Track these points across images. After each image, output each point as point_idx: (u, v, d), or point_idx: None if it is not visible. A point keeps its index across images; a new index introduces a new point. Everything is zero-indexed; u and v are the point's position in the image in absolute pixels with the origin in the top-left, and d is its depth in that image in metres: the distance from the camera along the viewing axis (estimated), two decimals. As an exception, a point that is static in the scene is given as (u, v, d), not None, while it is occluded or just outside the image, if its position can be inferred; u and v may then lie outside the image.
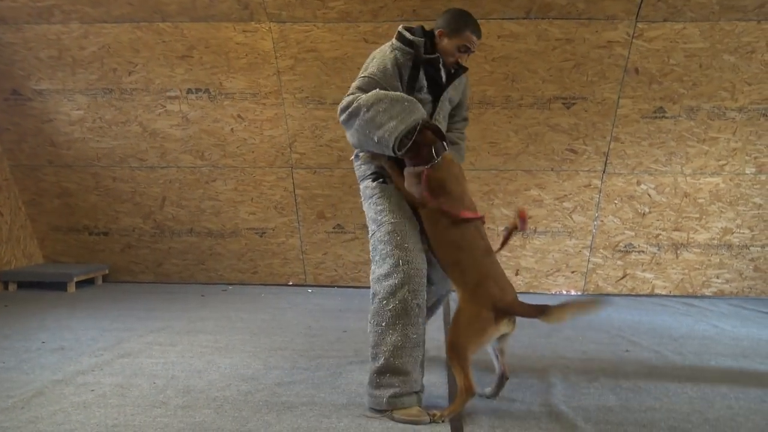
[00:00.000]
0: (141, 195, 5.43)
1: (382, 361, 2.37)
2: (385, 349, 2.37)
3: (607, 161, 4.99)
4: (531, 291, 5.41)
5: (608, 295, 5.36)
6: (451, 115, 2.95)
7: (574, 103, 4.82)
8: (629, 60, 4.62)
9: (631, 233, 5.22)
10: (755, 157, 4.91)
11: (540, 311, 2.34)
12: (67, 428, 2.23)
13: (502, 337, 2.50)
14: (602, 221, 5.20)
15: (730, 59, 4.59)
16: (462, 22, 2.66)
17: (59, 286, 5.16)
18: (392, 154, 2.43)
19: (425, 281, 2.47)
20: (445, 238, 2.50)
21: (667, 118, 4.82)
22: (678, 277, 5.32)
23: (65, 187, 5.47)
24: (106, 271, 5.64)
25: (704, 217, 5.12)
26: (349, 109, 2.48)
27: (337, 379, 2.87)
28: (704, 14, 4.42)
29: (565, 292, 5.39)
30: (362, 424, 2.31)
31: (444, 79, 2.71)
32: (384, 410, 2.37)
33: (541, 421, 2.38)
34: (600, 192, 5.10)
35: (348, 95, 2.55)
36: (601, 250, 5.29)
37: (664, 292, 5.36)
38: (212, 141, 5.17)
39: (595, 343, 3.67)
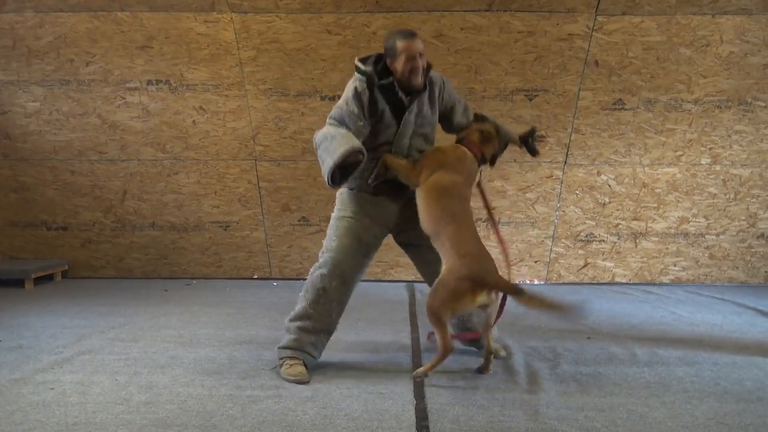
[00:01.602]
0: (101, 189, 5.32)
1: (286, 321, 2.93)
2: (292, 313, 2.91)
3: (569, 152, 5.07)
4: (495, 281, 5.47)
5: (570, 284, 5.47)
6: (450, 121, 3.13)
7: (536, 95, 4.89)
8: (589, 53, 4.70)
9: (591, 223, 5.33)
10: (710, 148, 5.05)
11: (514, 290, 2.66)
12: (25, 428, 2.19)
13: (485, 310, 2.74)
14: (564, 211, 5.29)
15: (686, 52, 4.71)
16: (391, 40, 2.83)
17: (16, 282, 5.03)
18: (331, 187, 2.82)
19: (347, 279, 2.88)
20: (441, 211, 2.77)
21: (626, 110, 4.92)
22: (637, 265, 5.45)
23: (22, 181, 5.32)
24: (66, 267, 5.52)
25: (662, 206, 5.26)
26: (314, 144, 2.85)
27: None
28: (661, 8, 4.51)
29: (528, 282, 5.47)
30: (328, 416, 2.32)
31: (406, 100, 2.85)
32: (279, 359, 2.86)
33: (504, 408, 2.42)
34: (561, 183, 5.18)
35: (331, 117, 2.86)
36: (563, 240, 5.38)
37: (624, 280, 5.49)
38: (174, 133, 5.10)
39: (557, 331, 3.74)
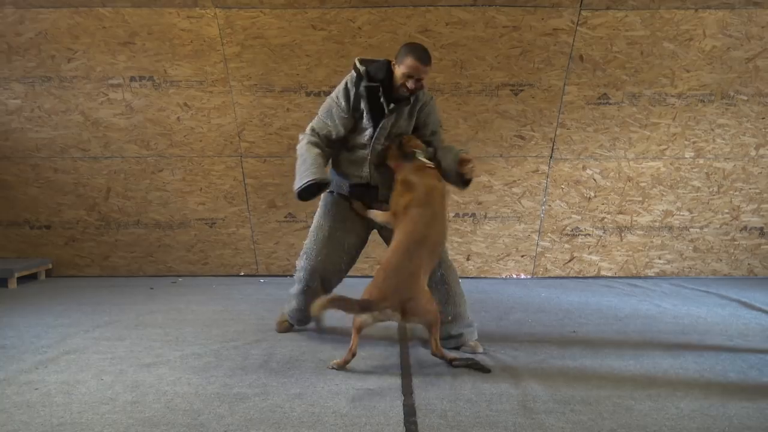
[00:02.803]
0: (84, 186, 5.27)
1: (291, 290, 3.39)
2: (293, 287, 3.35)
3: (554, 147, 5.09)
4: (482, 276, 5.50)
5: (557, 278, 5.50)
6: (427, 143, 3.22)
7: (521, 90, 4.90)
8: (574, 47, 4.71)
9: (577, 217, 5.36)
10: (694, 142, 5.09)
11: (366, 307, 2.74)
12: (9, 429, 2.16)
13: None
14: (550, 206, 5.31)
15: (669, 47, 4.74)
16: (406, 50, 2.98)
17: (0, 282, 4.98)
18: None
19: (327, 276, 3.20)
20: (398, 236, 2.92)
21: (610, 104, 4.94)
22: (622, 258, 5.49)
23: (3, 179, 5.25)
24: (50, 266, 5.46)
25: (646, 200, 5.29)
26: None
27: (290, 369, 2.86)
28: (645, 2, 4.53)
29: (515, 276, 5.50)
30: (315, 413, 2.31)
31: (386, 106, 3.01)
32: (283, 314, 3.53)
33: (491, 403, 2.43)
34: (547, 177, 5.20)
35: (306, 131, 3.14)
36: (549, 234, 5.41)
37: (609, 274, 5.53)
38: (158, 130, 5.05)
39: (543, 325, 3.76)
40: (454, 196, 5.28)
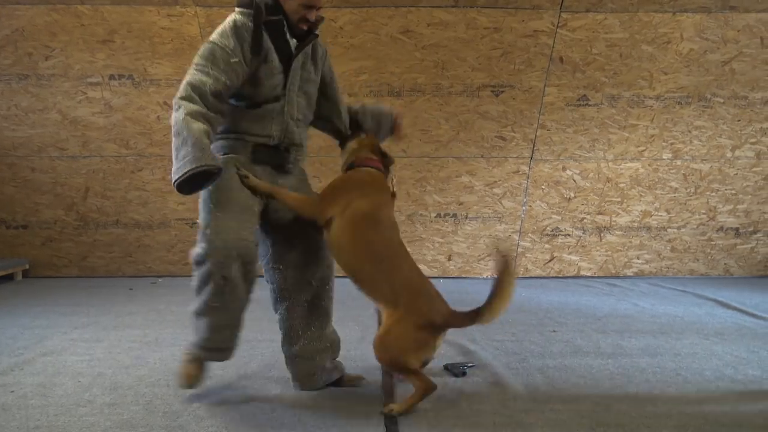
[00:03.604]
0: (62, 186, 5.20)
1: (193, 308, 2.36)
2: (197, 303, 2.34)
3: (535, 148, 5.13)
4: (463, 276, 5.52)
5: (537, 278, 5.54)
6: (328, 97, 2.67)
7: (502, 91, 4.92)
8: (554, 49, 4.75)
9: (557, 217, 5.40)
10: (671, 143, 5.16)
11: (473, 318, 2.29)
12: (-16, 432, 2.13)
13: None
14: (530, 206, 5.35)
15: (648, 49, 4.79)
16: None
17: (-26, 283, 4.90)
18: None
19: (246, 255, 2.30)
20: (365, 250, 2.34)
21: (590, 105, 4.99)
22: (602, 258, 5.55)
23: (-22, 178, 5.18)
24: (26, 266, 5.39)
25: (625, 200, 5.36)
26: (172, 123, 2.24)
27: (270, 369, 2.85)
28: (624, 5, 4.58)
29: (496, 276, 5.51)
30: (296, 414, 2.31)
31: (293, 45, 2.41)
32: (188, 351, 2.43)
33: (472, 402, 2.44)
34: (528, 178, 5.24)
35: (187, 76, 2.26)
36: (529, 235, 5.45)
37: (589, 274, 5.58)
38: (137, 129, 5.00)
39: (524, 325, 3.78)
40: (435, 196, 5.30)
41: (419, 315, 2.25)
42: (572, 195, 5.33)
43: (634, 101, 4.99)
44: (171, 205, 5.27)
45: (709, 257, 5.60)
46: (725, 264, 5.63)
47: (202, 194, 2.34)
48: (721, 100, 4.99)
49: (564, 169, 5.23)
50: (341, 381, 2.63)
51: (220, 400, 2.45)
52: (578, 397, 2.51)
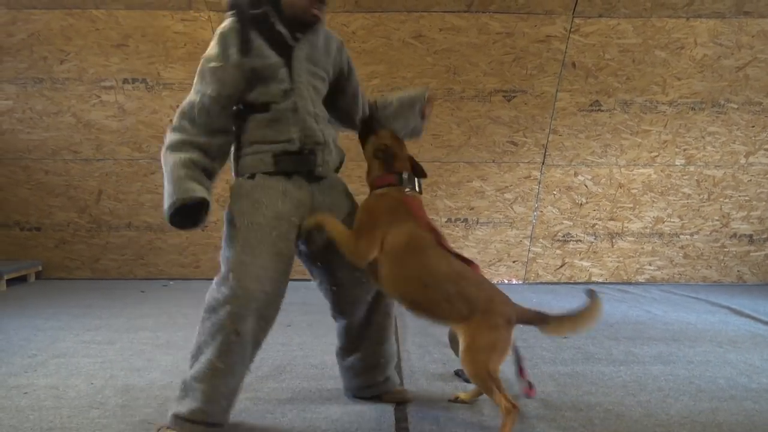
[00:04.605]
0: (75, 188, 5.24)
1: (187, 375, 2.09)
2: (191, 365, 2.10)
3: (546, 153, 5.12)
4: (474, 281, 5.50)
5: (548, 283, 5.52)
6: (346, 92, 2.45)
7: (514, 96, 4.92)
8: (567, 54, 4.74)
9: (569, 223, 5.38)
10: (684, 149, 5.13)
11: (542, 319, 2.24)
12: (-2, 433, 2.15)
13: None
14: (542, 212, 5.33)
15: (661, 55, 4.77)
16: None
17: (-12, 284, 4.94)
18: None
19: (265, 310, 2.11)
20: (417, 279, 2.18)
21: (602, 111, 4.97)
22: (613, 264, 5.52)
23: (-7, 180, 5.23)
24: (39, 268, 5.43)
25: (637, 206, 5.33)
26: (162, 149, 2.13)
27: (281, 373, 2.86)
28: (637, 11, 4.57)
29: (506, 281, 5.51)
30: (307, 418, 2.31)
31: (288, 34, 2.18)
32: (170, 426, 2.04)
33: (484, 408, 2.43)
34: (539, 183, 5.22)
35: (172, 123, 2.16)
36: (540, 240, 5.43)
37: (600, 280, 5.55)
38: (150, 132, 5.04)
39: (535, 331, 3.72)
40: (446, 201, 5.29)
41: (496, 315, 2.15)
42: (584, 200, 5.30)
43: (646, 107, 4.96)
44: (183, 208, 5.29)
45: (722, 264, 5.55)
46: (738, 271, 5.58)
47: (228, 229, 2.16)
48: (735, 106, 4.96)
49: (576, 174, 5.21)
50: (387, 396, 2.51)
51: (232, 404, 2.46)
52: (590, 405, 2.49)
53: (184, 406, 2.03)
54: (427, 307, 2.19)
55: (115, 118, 4.99)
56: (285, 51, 2.17)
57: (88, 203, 5.30)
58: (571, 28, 4.64)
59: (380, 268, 2.20)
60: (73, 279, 5.50)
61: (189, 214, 2.07)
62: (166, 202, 2.02)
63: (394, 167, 2.35)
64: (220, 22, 4.54)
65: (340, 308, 2.45)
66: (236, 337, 2.04)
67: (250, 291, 2.04)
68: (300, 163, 2.20)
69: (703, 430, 2.25)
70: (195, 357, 2.11)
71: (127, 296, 4.75)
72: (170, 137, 2.11)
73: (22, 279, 5.27)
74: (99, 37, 4.72)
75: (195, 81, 2.18)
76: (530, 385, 2.57)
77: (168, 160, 2.06)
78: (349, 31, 4.66)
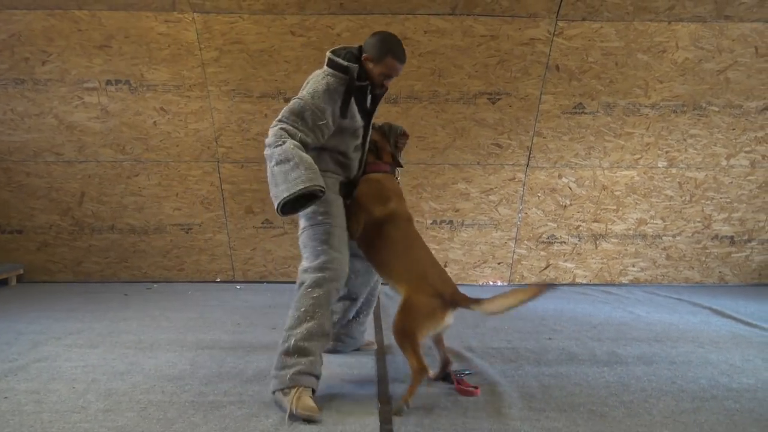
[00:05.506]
0: (57, 191, 5.19)
1: (292, 342, 2.46)
2: (298, 332, 2.48)
3: (531, 155, 5.15)
4: (459, 282, 5.50)
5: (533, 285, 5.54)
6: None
7: (499, 99, 4.94)
8: (550, 57, 4.77)
9: (553, 225, 5.41)
10: (666, 152, 5.18)
11: (475, 302, 2.55)
12: (-23, 439, 2.12)
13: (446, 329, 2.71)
14: (526, 213, 5.36)
15: (643, 58, 4.82)
16: (386, 47, 2.66)
17: (-32, 287, 4.87)
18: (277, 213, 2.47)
19: (343, 286, 2.72)
20: (389, 242, 2.72)
21: (586, 113, 5.01)
22: (597, 266, 5.56)
23: (-27, 182, 5.16)
24: (21, 271, 5.36)
25: (621, 208, 5.37)
26: (267, 151, 2.49)
27: (266, 376, 2.83)
28: (620, 14, 4.61)
29: (491, 283, 5.53)
30: (292, 420, 2.30)
31: (369, 104, 2.77)
32: (287, 387, 2.39)
33: (468, 410, 2.44)
34: (524, 185, 5.25)
35: (277, 124, 2.52)
36: (525, 242, 5.46)
37: (584, 281, 5.59)
38: (134, 134, 5.00)
39: (519, 332, 3.78)
40: (431, 203, 5.31)
41: (430, 286, 2.57)
42: (568, 202, 5.34)
43: (629, 109, 5.01)
44: (167, 210, 5.26)
45: (704, 265, 5.61)
46: (720, 272, 5.65)
47: (312, 232, 2.64)
48: (716, 109, 5.02)
49: (560, 176, 5.25)
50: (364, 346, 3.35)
51: (215, 407, 2.44)
52: (574, 405, 2.51)
53: (296, 367, 2.42)
54: (384, 265, 2.74)
55: (98, 119, 4.95)
56: (366, 116, 2.77)
57: (71, 205, 5.25)
58: (554, 31, 4.67)
59: (363, 233, 2.79)
60: (55, 282, 5.45)
61: (301, 202, 2.46)
62: (302, 184, 2.34)
63: (382, 158, 2.93)
64: (204, 23, 4.53)
65: (353, 291, 3.12)
66: (333, 307, 2.64)
67: (345, 272, 2.64)
68: (349, 191, 2.84)
69: (685, 429, 2.27)
70: (291, 329, 2.50)
71: (110, 299, 4.71)
72: (291, 140, 2.46)
73: (4, 282, 5.21)
74: (81, 38, 4.68)
75: (293, 116, 2.51)
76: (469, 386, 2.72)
77: (302, 154, 2.42)
78: (334, 34, 4.66)
